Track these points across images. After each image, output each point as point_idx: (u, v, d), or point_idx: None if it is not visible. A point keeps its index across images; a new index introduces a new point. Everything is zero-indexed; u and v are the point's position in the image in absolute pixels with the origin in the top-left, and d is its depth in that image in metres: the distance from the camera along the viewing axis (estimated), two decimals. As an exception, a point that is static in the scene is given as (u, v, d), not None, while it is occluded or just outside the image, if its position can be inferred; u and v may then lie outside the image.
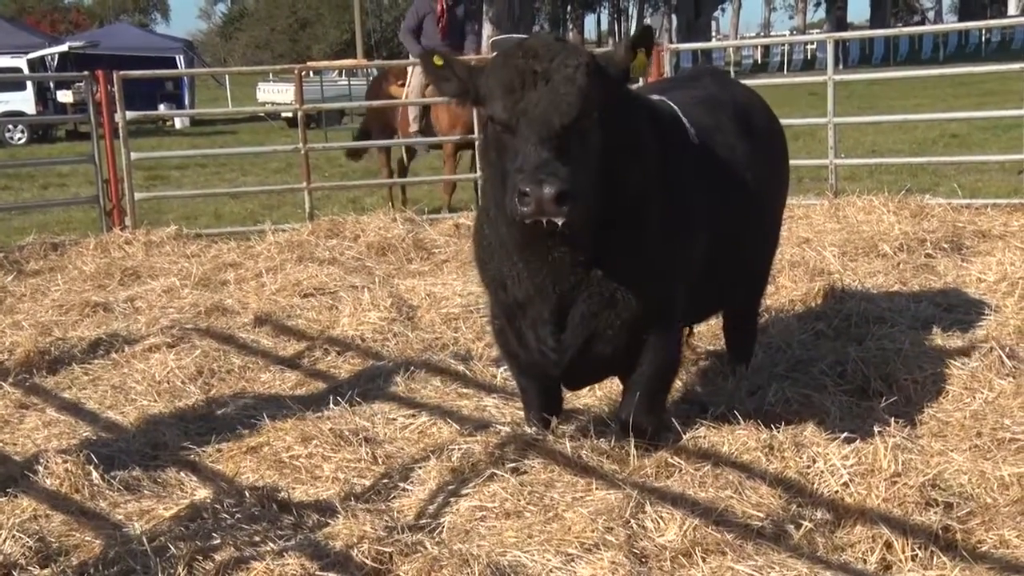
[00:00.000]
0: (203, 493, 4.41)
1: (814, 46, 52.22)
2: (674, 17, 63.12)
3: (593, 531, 3.74)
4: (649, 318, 4.30)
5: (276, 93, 32.46)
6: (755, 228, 5.14)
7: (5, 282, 8.78)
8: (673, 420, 4.66)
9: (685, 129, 4.67)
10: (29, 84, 28.71)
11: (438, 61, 4.13)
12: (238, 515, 4.15)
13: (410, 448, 4.87)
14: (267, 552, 3.79)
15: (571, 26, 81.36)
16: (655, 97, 4.86)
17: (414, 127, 12.06)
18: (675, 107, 4.74)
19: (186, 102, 34.09)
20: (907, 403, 5.13)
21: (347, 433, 4.87)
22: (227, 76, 38.42)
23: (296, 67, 13.32)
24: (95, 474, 4.56)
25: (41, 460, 4.70)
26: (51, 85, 29.88)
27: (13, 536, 3.94)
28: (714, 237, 4.56)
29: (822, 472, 4.21)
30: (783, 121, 5.86)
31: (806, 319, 6.59)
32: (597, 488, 4.07)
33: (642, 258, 4.22)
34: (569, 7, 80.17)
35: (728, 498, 4.00)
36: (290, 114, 24.11)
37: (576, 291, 4.16)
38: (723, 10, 77.70)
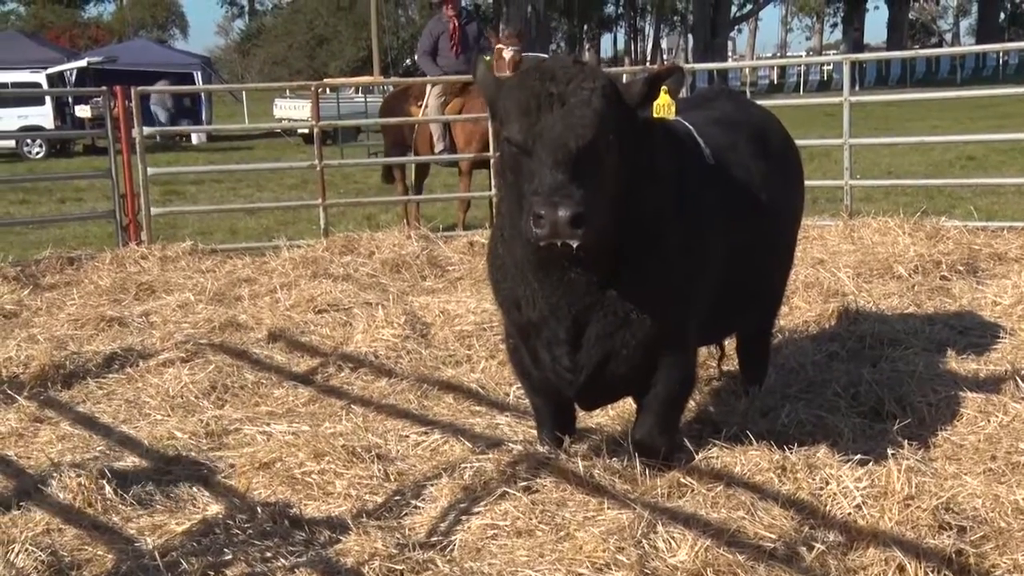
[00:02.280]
0: (215, 508, 4.41)
1: (830, 67, 52.32)
2: (690, 37, 63.25)
3: (604, 551, 3.73)
4: (664, 339, 4.30)
5: (292, 109, 32.53)
6: (770, 249, 5.14)
7: (21, 296, 8.83)
8: (686, 440, 4.66)
9: (701, 150, 4.67)
10: (48, 99, 28.88)
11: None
12: (250, 531, 4.16)
13: (422, 465, 4.87)
14: (279, 568, 3.80)
15: (588, 45, 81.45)
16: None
17: (440, 145, 12.08)
18: (691, 127, 4.75)
19: (203, 118, 34.25)
20: (921, 425, 5.11)
21: (359, 450, 4.86)
22: (244, 92, 38.59)
23: (313, 84, 13.36)
24: (108, 488, 4.57)
25: (55, 474, 4.72)
26: (69, 100, 30.06)
27: (26, 550, 3.95)
28: (729, 258, 4.56)
29: (835, 494, 4.19)
30: (799, 142, 5.86)
31: (820, 340, 6.58)
32: (609, 507, 4.06)
33: (657, 279, 4.21)
34: (586, 26, 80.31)
35: (740, 519, 3.99)
36: (306, 130, 24.19)
37: (591, 311, 4.16)
38: (740, 30, 77.82)
